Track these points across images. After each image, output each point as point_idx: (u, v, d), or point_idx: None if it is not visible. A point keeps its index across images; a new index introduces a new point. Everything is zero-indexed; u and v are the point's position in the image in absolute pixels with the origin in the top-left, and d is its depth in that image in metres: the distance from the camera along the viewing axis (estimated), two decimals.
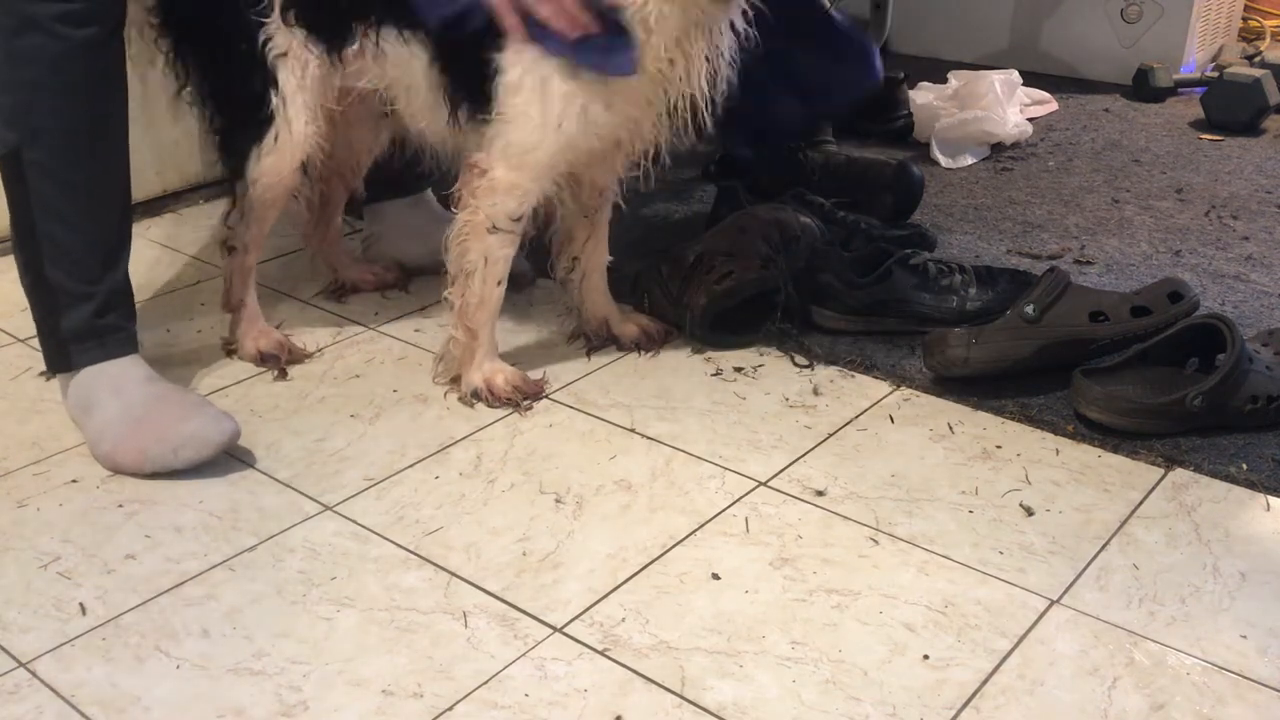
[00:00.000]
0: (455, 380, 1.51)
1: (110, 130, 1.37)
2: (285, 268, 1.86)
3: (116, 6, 1.34)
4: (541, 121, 1.35)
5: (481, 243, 1.44)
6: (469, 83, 1.39)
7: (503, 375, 1.50)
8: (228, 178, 1.57)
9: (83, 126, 1.34)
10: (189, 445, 1.33)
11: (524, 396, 1.49)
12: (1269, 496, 1.29)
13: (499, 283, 1.47)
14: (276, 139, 1.48)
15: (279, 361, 1.57)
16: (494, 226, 1.43)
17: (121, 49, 1.37)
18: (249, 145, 1.49)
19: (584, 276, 1.61)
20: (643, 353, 1.61)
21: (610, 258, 1.62)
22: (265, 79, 1.45)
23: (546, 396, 1.50)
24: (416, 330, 1.68)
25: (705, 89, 1.36)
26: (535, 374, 1.54)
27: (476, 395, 1.49)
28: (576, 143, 1.38)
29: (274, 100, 1.46)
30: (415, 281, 1.81)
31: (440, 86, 1.42)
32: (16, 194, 1.34)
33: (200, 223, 2.05)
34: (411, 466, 1.37)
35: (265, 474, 1.35)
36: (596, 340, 1.62)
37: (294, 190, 1.55)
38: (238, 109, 1.50)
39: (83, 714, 1.02)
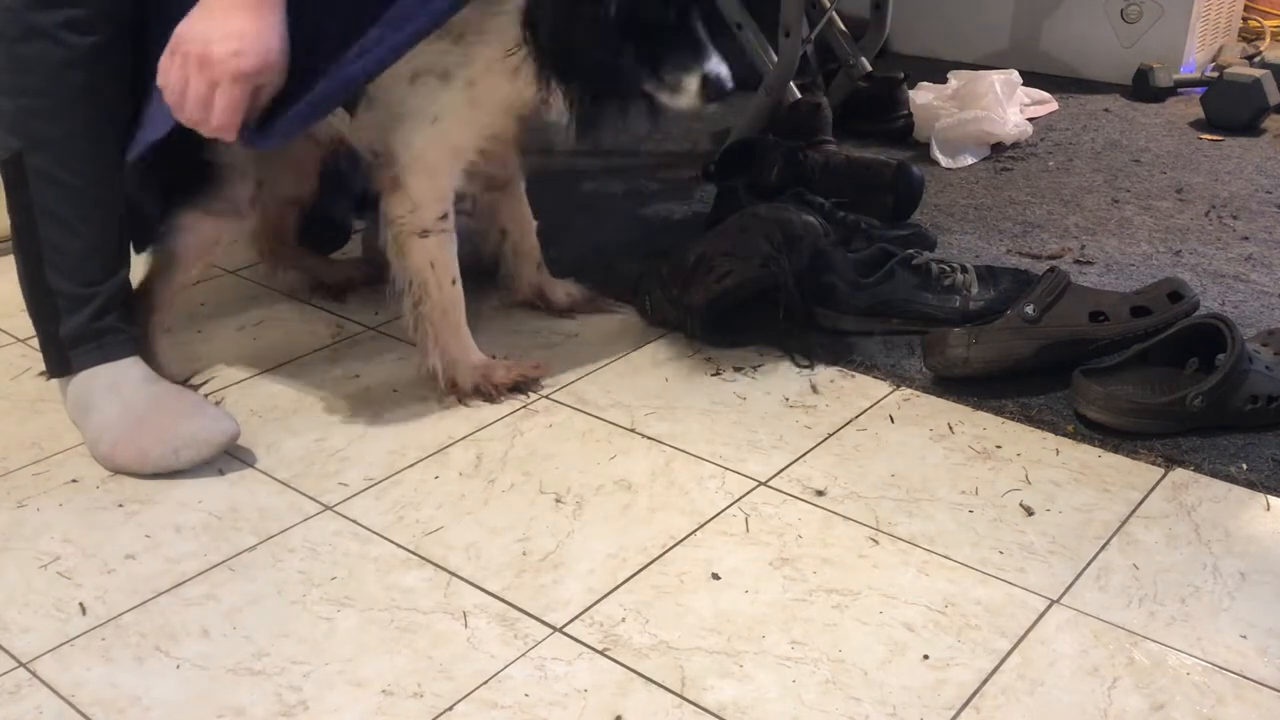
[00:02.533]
0: (453, 387, 1.50)
1: (113, 135, 1.37)
2: None
3: (120, 13, 1.33)
4: (436, 126, 1.38)
5: (420, 250, 1.44)
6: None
7: (500, 368, 1.51)
8: None
9: (86, 132, 1.34)
10: (190, 445, 1.33)
11: (526, 381, 1.51)
12: (1269, 496, 1.29)
13: (453, 282, 1.48)
14: None
15: None
16: (425, 231, 1.43)
17: (125, 54, 1.37)
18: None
19: (514, 248, 1.65)
20: (575, 317, 1.67)
21: (536, 223, 1.66)
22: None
23: (546, 396, 1.51)
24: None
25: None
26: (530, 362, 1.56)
27: (482, 394, 1.49)
28: (469, 140, 1.42)
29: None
30: None
31: None
32: (19, 199, 1.34)
33: None
34: (411, 466, 1.37)
35: (265, 474, 1.35)
36: (540, 306, 1.68)
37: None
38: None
39: (83, 714, 1.02)
